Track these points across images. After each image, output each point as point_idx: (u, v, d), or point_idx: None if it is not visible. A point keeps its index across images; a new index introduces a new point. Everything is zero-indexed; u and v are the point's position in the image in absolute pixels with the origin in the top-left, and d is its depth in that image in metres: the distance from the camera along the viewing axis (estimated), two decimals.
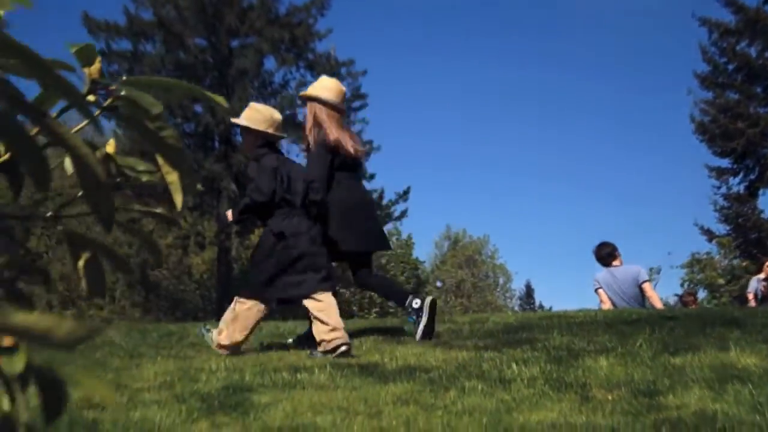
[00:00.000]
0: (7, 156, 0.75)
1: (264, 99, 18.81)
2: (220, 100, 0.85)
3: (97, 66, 0.76)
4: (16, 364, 0.59)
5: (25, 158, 0.64)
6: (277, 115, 4.54)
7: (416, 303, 4.45)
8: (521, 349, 4.03)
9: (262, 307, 4.36)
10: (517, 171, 70.28)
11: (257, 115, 4.44)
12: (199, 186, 0.90)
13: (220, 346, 4.43)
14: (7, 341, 0.60)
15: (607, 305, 7.25)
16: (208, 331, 4.63)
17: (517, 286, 59.67)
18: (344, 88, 5.01)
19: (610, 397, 2.96)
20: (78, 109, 0.65)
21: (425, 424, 3.00)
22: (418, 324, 4.46)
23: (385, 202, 21.30)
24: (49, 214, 0.81)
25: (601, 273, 7.45)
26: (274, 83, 20.27)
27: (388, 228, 21.44)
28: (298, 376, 3.63)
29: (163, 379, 3.75)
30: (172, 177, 0.81)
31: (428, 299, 4.47)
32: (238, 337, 4.38)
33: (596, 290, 7.43)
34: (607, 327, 4.75)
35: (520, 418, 2.75)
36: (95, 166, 0.69)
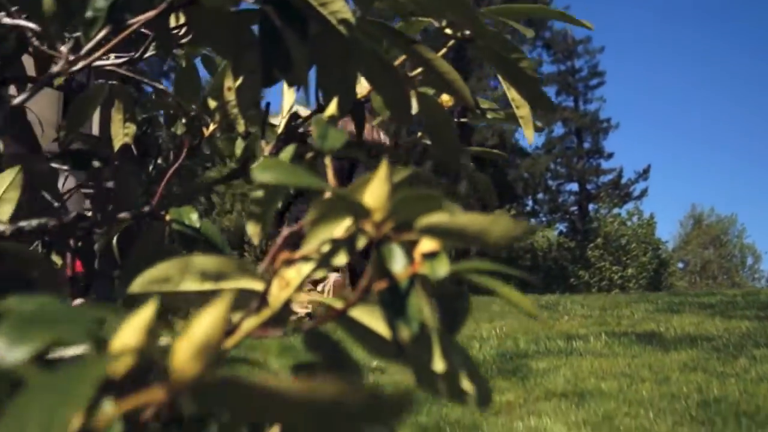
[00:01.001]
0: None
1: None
2: (587, 24, 0.86)
3: None
4: (439, 268, 0.58)
5: (387, 90, 0.69)
6: None
7: None
8: None
9: None
10: None
11: None
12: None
13: None
14: (432, 245, 0.59)
15: None
16: None
17: (767, 267, 54.52)
18: None
19: None
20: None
21: (719, 390, 2.88)
22: None
23: (623, 181, 20.51)
24: None
25: None
26: None
27: (627, 207, 20.61)
28: (574, 344, 3.64)
29: None
30: (524, 111, 0.78)
31: None
32: None
33: None
34: None
35: None
36: (464, 91, 0.73)
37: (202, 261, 0.42)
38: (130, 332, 0.29)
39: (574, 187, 22.26)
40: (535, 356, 3.51)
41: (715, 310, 4.32)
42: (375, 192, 0.53)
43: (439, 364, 0.56)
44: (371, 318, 0.48)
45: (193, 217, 0.79)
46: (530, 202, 22.42)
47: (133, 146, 1.30)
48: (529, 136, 0.81)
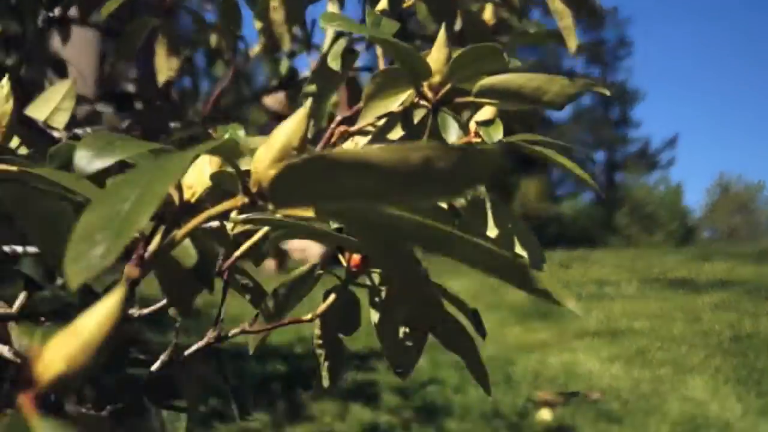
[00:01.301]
0: None
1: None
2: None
3: None
4: (494, 134, 0.56)
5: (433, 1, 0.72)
6: None
7: None
8: None
9: None
10: None
11: None
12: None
13: None
14: (487, 112, 0.57)
15: None
16: None
17: None
18: None
19: None
20: None
21: (751, 327, 2.92)
22: None
23: (651, 150, 20.33)
24: None
25: None
26: None
27: (655, 176, 20.45)
28: (605, 289, 3.70)
29: (470, 289, 4.00)
30: (567, 21, 0.76)
31: None
32: None
33: None
34: None
35: None
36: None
37: None
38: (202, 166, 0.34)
39: (601, 156, 22.11)
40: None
41: (746, 259, 4.34)
42: (434, 56, 0.58)
43: (492, 230, 0.61)
44: None
45: (240, 133, 0.81)
46: (557, 172, 22.32)
47: (173, 93, 1.35)
48: (572, 47, 0.79)
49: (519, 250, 0.58)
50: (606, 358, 2.79)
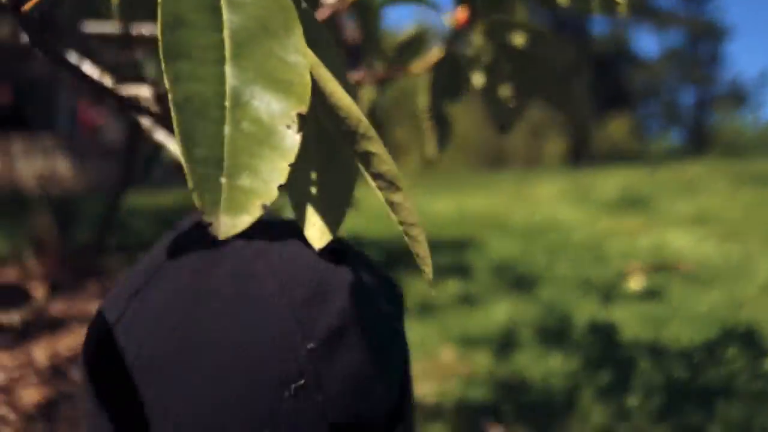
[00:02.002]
0: None
1: None
2: None
3: None
4: None
5: None
6: None
7: None
8: None
9: None
10: None
11: None
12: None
13: None
14: None
15: None
16: None
17: None
18: None
19: None
20: None
21: None
22: None
23: (741, 87, 19.55)
24: None
25: None
26: None
27: (745, 115, 19.69)
28: (697, 185, 3.73)
29: (560, 191, 4.09)
30: None
31: None
32: None
33: None
34: None
35: None
36: None
37: None
38: None
39: (691, 95, 21.43)
40: (659, 195, 3.62)
41: None
42: None
43: None
44: None
45: None
46: (646, 111, 21.81)
47: None
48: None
49: None
50: (697, 238, 2.85)
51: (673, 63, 21.09)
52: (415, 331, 2.51)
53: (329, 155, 0.39)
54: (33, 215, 2.82)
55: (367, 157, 0.34)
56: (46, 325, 2.46)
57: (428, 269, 0.36)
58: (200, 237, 0.39)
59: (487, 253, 3.27)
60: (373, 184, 0.35)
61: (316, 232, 0.38)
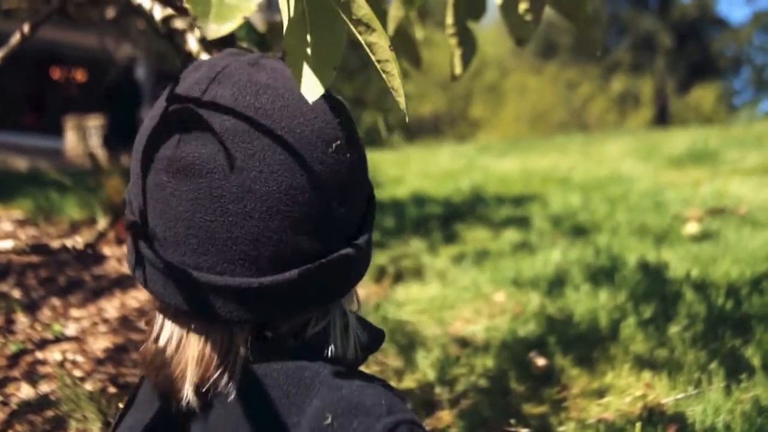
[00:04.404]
0: None
1: None
2: None
3: None
4: None
5: None
6: None
7: None
8: None
9: None
10: None
11: None
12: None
13: None
14: None
15: None
16: None
17: None
18: None
19: None
20: None
21: None
22: None
23: None
24: None
25: None
26: None
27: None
28: (765, 140, 3.65)
29: (627, 149, 4.05)
30: None
31: None
32: None
33: None
34: None
35: None
36: None
37: None
38: None
39: None
40: (727, 149, 3.56)
41: None
42: None
43: None
44: None
45: None
46: (734, 78, 20.94)
47: None
48: None
49: None
50: (757, 185, 2.81)
51: (762, 27, 20.11)
52: (469, 276, 2.59)
53: (322, 20, 0.49)
54: (105, 180, 3.03)
55: (347, 5, 0.45)
56: (115, 284, 2.66)
57: (401, 100, 0.51)
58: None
59: (549, 206, 3.30)
60: (354, 31, 0.47)
61: (310, 87, 0.48)
